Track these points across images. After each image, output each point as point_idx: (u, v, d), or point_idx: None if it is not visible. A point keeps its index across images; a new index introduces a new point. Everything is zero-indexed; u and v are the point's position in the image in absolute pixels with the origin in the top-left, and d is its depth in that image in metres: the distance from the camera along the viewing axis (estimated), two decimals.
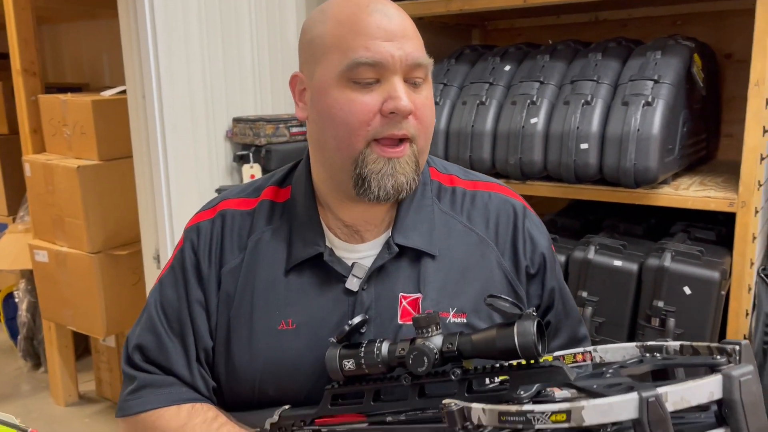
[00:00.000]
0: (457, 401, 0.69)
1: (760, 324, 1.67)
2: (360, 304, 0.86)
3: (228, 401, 0.90)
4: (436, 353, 0.74)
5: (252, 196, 0.95)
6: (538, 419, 0.61)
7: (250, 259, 0.90)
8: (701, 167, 2.05)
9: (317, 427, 0.84)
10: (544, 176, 1.85)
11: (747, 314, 1.69)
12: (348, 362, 0.79)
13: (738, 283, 1.65)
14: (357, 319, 0.81)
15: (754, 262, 1.67)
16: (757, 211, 1.65)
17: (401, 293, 0.87)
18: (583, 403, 0.59)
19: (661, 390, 0.57)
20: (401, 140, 0.81)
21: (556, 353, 0.83)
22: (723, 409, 0.59)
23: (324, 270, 0.88)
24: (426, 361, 0.74)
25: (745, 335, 1.70)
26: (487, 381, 0.76)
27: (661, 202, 1.74)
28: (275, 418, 0.85)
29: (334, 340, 0.81)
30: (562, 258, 1.80)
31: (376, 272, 0.88)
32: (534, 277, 0.93)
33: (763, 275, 1.73)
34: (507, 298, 0.72)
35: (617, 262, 1.71)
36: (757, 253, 1.72)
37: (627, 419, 0.58)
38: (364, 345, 0.80)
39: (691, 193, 1.72)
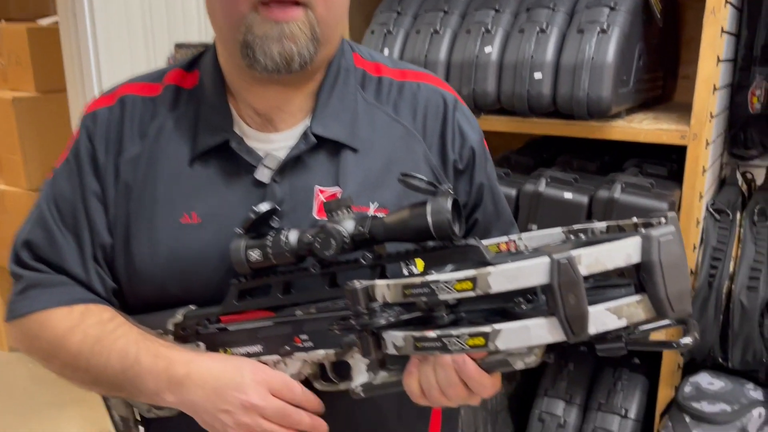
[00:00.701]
0: (361, 281, 0.64)
1: (706, 258, 1.67)
2: (271, 196, 0.80)
3: (131, 304, 0.84)
4: (345, 236, 0.69)
5: (156, 81, 0.87)
6: (442, 289, 0.57)
7: (152, 148, 0.83)
8: (657, 107, 2.03)
9: (223, 326, 0.79)
10: (498, 109, 1.80)
11: (694, 248, 1.68)
12: (254, 252, 0.74)
13: (687, 216, 1.63)
14: (264, 206, 0.75)
15: (703, 195, 1.66)
16: (708, 144, 1.63)
17: (317, 186, 0.81)
18: (490, 269, 0.55)
19: (574, 252, 0.53)
20: (295, 4, 0.74)
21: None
22: (641, 275, 0.55)
23: (232, 161, 0.82)
24: (333, 243, 0.69)
25: (691, 270, 1.69)
26: (405, 272, 0.72)
27: (614, 136, 1.71)
28: (178, 318, 0.79)
29: (240, 231, 0.76)
30: (512, 192, 1.76)
31: (291, 164, 0.81)
32: (462, 173, 0.88)
33: (711, 210, 1.72)
34: (422, 176, 0.67)
35: (567, 195, 1.68)
36: (707, 187, 1.71)
37: (537, 284, 0.54)
38: (271, 234, 0.74)
39: (644, 126, 1.69)
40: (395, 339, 0.63)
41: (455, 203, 0.66)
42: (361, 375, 0.72)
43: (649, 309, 0.55)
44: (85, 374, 0.79)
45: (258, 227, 0.75)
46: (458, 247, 0.66)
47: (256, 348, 0.77)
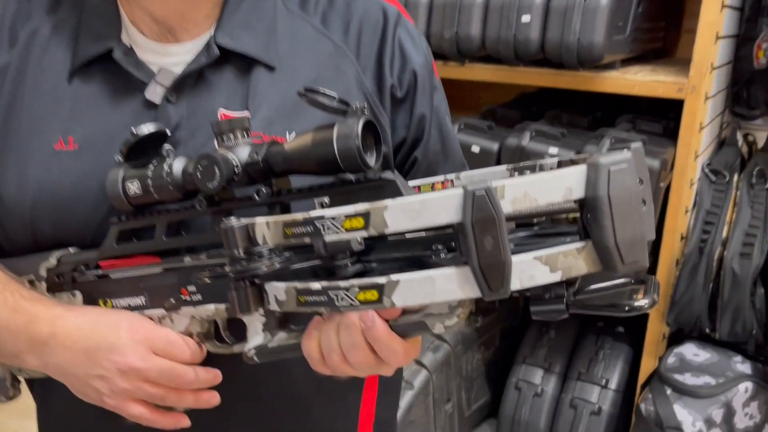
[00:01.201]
0: (242, 219, 0.53)
1: (699, 222, 1.56)
2: (165, 120, 0.67)
3: (1, 245, 0.72)
4: (235, 165, 0.57)
5: None
6: (329, 228, 0.46)
7: (23, 57, 0.70)
8: (656, 61, 1.89)
9: (103, 272, 0.67)
10: (483, 56, 1.67)
11: (687, 211, 1.57)
12: (132, 184, 0.62)
13: (680, 176, 1.52)
14: (147, 128, 0.62)
15: (699, 155, 1.54)
16: (707, 98, 1.50)
17: (222, 110, 0.68)
18: (387, 202, 0.44)
19: (495, 182, 0.42)
20: None
21: (409, 182, 0.67)
22: (585, 215, 0.44)
23: (120, 76, 0.69)
24: (217, 173, 0.57)
25: (683, 234, 1.58)
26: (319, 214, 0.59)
27: (606, 87, 1.59)
28: (52, 262, 0.68)
29: (119, 159, 0.64)
30: (494, 146, 1.65)
31: (190, 82, 0.69)
32: (401, 102, 0.75)
33: (707, 170, 1.60)
34: (330, 92, 0.55)
35: (553, 150, 1.56)
36: (704, 146, 1.59)
37: (446, 222, 0.43)
38: (154, 163, 0.63)
39: (638, 78, 1.57)
40: (277, 291, 0.52)
41: (369, 126, 0.55)
42: (256, 336, 0.61)
43: (593, 260, 0.43)
44: None
45: (141, 154, 0.63)
46: (370, 181, 0.55)
47: (139, 300, 0.66)
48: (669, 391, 1.51)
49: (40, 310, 0.64)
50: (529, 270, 0.43)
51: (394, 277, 0.46)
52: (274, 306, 0.53)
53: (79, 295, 0.68)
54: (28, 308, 0.64)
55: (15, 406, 1.70)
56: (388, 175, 0.54)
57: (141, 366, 0.61)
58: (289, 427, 0.76)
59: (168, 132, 0.64)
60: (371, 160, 0.54)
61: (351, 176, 0.56)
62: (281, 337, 0.61)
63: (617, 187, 0.42)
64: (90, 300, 0.68)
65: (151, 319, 0.65)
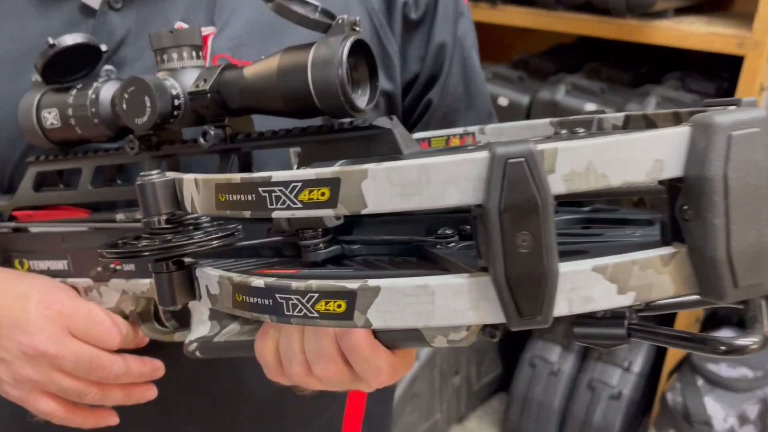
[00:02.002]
0: (167, 173, 0.38)
1: None
2: (106, 32, 0.53)
3: None
4: (175, 96, 0.42)
5: None
6: (277, 198, 0.31)
7: None
8: (713, 12, 1.69)
9: (19, 225, 0.54)
10: None
11: None
12: (50, 114, 0.48)
13: None
14: (71, 38, 0.47)
15: None
16: None
17: (180, 22, 0.53)
18: (370, 166, 0.28)
19: (542, 145, 0.26)
20: None
21: (416, 134, 0.52)
22: (680, 205, 0.28)
23: None
24: (148, 104, 0.41)
25: None
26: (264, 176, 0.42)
27: (656, 39, 1.40)
28: None
29: (37, 79, 0.49)
30: (524, 99, 1.48)
31: None
32: (417, 27, 0.59)
33: None
34: (311, 0, 0.39)
35: (589, 107, 1.39)
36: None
37: (457, 204, 0.27)
38: (77, 86, 0.48)
39: (693, 29, 1.38)
40: (209, 281, 0.37)
41: (361, 48, 0.39)
42: (200, 325, 0.47)
43: (685, 278, 0.28)
44: None
45: (67, 75, 0.48)
46: (357, 129, 0.39)
47: (61, 264, 0.52)
48: (700, 382, 1.37)
49: None
50: (585, 288, 0.27)
51: (372, 282, 0.30)
52: (205, 301, 0.37)
53: None
54: None
55: None
56: (382, 122, 0.39)
57: (52, 351, 0.47)
58: (253, 427, 0.63)
59: (102, 47, 0.49)
60: (360, 99, 0.39)
61: (333, 121, 0.41)
62: (232, 330, 0.47)
63: (741, 164, 0.27)
64: (4, 260, 0.54)
65: (75, 289, 0.52)
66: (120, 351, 0.50)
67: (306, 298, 0.31)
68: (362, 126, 0.39)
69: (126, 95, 0.43)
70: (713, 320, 1.56)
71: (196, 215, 0.37)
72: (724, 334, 1.37)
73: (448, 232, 0.36)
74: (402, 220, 0.39)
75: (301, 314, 0.32)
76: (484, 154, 0.26)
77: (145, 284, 0.48)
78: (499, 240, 0.26)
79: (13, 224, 0.53)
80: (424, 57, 0.59)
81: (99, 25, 0.52)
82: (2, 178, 0.54)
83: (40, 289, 0.50)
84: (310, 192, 0.30)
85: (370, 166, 0.28)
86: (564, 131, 0.46)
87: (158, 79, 0.42)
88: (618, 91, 1.48)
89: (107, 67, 0.50)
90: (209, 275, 0.36)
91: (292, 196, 0.30)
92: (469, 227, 0.37)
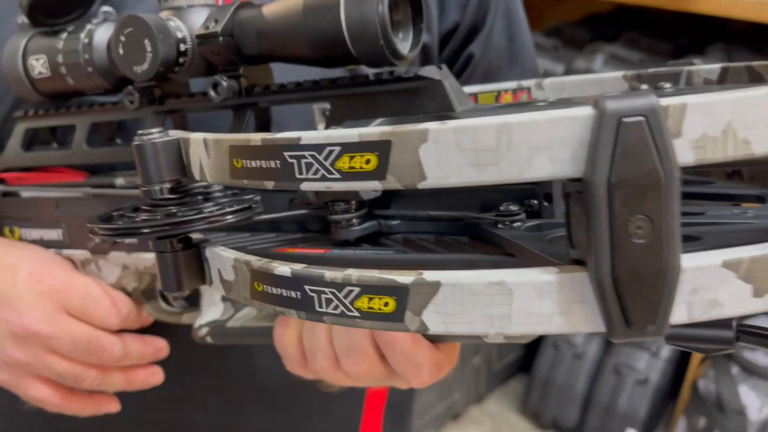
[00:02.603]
0: (170, 132, 0.31)
1: None
2: None
3: None
4: (180, 39, 0.36)
5: None
6: (308, 166, 0.24)
7: None
8: None
9: (8, 188, 0.48)
10: None
11: None
12: (38, 61, 0.42)
13: None
14: None
15: None
16: None
17: None
18: (431, 125, 0.21)
19: (668, 99, 0.20)
20: None
21: (466, 88, 0.45)
22: None
23: None
24: (148, 50, 0.35)
25: None
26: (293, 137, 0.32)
27: (700, 7, 1.31)
28: None
29: (24, 20, 0.43)
30: (558, 69, 1.40)
31: None
32: None
33: None
34: None
35: None
36: None
37: (548, 177, 0.21)
38: (69, 29, 0.41)
39: None
40: (222, 265, 0.31)
41: None
42: (212, 307, 0.42)
43: None
44: None
45: (58, 17, 0.42)
46: (401, 81, 0.33)
47: (55, 233, 0.47)
48: (735, 370, 1.31)
49: None
50: (712, 289, 0.21)
51: (429, 275, 0.24)
52: (218, 287, 0.32)
53: None
54: None
55: None
56: (429, 71, 0.32)
57: (45, 331, 0.42)
58: (262, 417, 0.57)
59: None
60: (402, 44, 0.33)
61: (369, 71, 0.35)
62: (248, 314, 0.41)
63: None
64: None
65: (71, 262, 0.46)
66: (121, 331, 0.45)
67: (343, 293, 0.25)
68: (405, 77, 0.33)
69: (122, 38, 0.36)
70: None
71: (206, 183, 0.31)
72: (763, 320, 1.31)
73: (513, 208, 0.30)
74: (449, 191, 0.33)
75: (338, 312, 0.26)
76: (587, 111, 0.20)
77: (149, 259, 0.43)
78: (606, 226, 0.20)
79: (1, 188, 0.48)
80: (466, 4, 0.53)
81: None
82: None
83: (32, 260, 0.44)
84: (351, 159, 0.23)
85: (431, 126, 0.22)
86: (644, 86, 0.40)
87: (161, 19, 0.36)
88: (658, 63, 1.39)
89: (105, 8, 0.44)
90: (222, 258, 0.30)
91: (327, 164, 0.24)
92: (535, 202, 0.30)
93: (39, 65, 0.42)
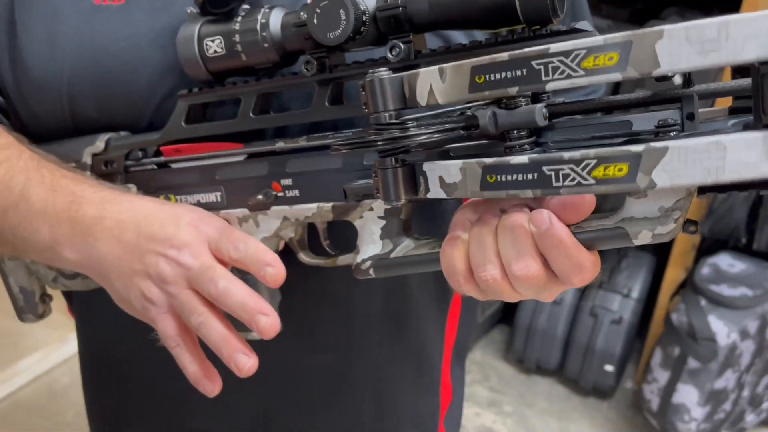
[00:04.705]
0: (380, 70, 0.39)
1: None
2: None
3: (32, 131, 0.56)
4: (363, 10, 0.42)
5: None
6: (554, 68, 0.33)
7: None
8: None
9: (165, 159, 0.53)
10: None
11: None
12: (213, 42, 0.47)
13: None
14: None
15: None
16: None
17: None
18: (667, 27, 0.30)
19: None
20: None
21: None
22: None
23: None
24: (343, 18, 0.42)
25: None
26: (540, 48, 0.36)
27: None
28: (99, 146, 0.53)
29: (194, 10, 0.49)
30: None
31: None
32: None
33: None
34: None
35: None
36: None
37: (758, 59, 0.29)
38: (242, 13, 0.48)
39: None
40: (445, 171, 0.38)
41: None
42: (371, 244, 0.48)
43: None
44: None
45: (220, 5, 0.48)
46: (559, 33, 0.39)
47: (213, 196, 0.52)
48: (703, 302, 1.47)
49: (87, 191, 0.48)
50: None
51: (656, 144, 0.32)
52: (435, 192, 0.39)
53: (134, 189, 0.54)
54: (70, 187, 0.48)
55: None
56: (584, 24, 0.39)
57: (188, 262, 0.45)
58: (379, 349, 0.64)
59: None
60: (560, 3, 0.40)
61: (526, 30, 0.41)
62: (406, 246, 0.48)
63: None
64: (147, 195, 0.54)
65: (228, 220, 0.52)
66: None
67: (581, 166, 0.33)
68: (564, 30, 0.39)
69: (318, 10, 0.43)
70: (705, 247, 1.66)
71: (410, 116, 0.39)
72: (723, 258, 1.46)
73: (672, 120, 0.35)
74: (597, 123, 0.38)
75: (574, 183, 0.34)
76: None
77: (311, 208, 0.49)
78: None
79: (160, 160, 0.53)
80: None
81: None
82: (139, 119, 0.53)
83: (191, 212, 0.48)
84: (596, 58, 0.31)
85: (665, 27, 0.30)
86: None
87: None
88: (620, 29, 1.51)
89: None
90: (445, 165, 0.38)
91: (573, 65, 0.32)
92: (677, 124, 0.35)
93: (214, 45, 0.47)
